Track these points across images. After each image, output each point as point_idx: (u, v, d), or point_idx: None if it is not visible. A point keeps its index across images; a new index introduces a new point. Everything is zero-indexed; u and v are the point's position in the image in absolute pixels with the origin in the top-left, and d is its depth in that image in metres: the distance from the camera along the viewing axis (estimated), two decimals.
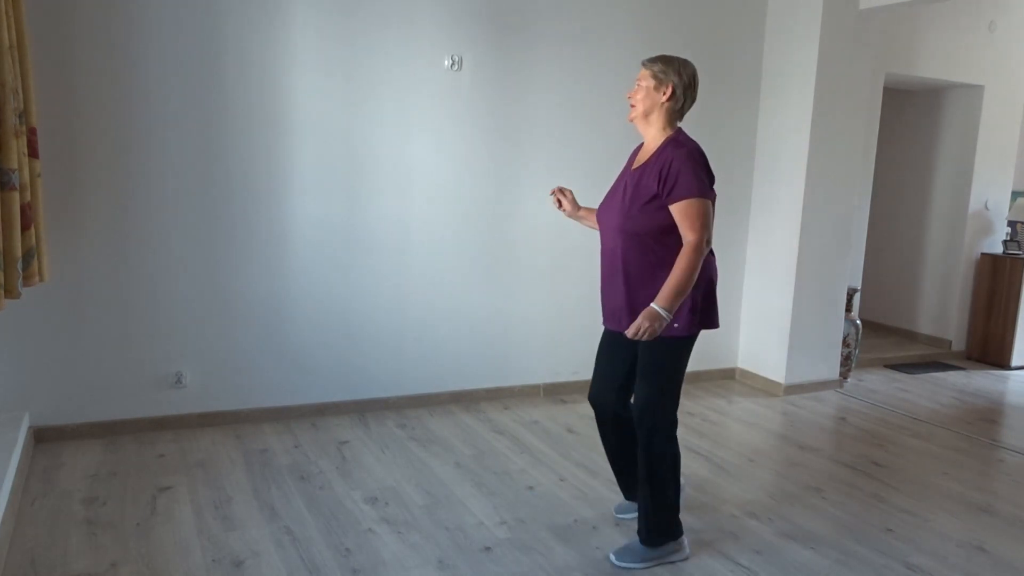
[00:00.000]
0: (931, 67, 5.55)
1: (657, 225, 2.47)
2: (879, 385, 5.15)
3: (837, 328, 4.92)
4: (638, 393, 2.56)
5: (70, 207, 3.38)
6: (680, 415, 4.29)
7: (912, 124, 6.36)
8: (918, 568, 2.66)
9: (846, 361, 5.04)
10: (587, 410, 4.26)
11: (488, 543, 2.70)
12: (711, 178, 2.49)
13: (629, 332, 2.40)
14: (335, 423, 3.89)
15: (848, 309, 5.04)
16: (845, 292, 4.93)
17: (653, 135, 2.56)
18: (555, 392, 4.54)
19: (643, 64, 2.56)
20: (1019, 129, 6.03)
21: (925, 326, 6.30)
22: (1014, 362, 5.78)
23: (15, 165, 2.62)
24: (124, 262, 3.51)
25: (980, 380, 5.43)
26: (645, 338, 2.38)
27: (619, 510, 2.97)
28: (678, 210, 2.41)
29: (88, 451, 3.39)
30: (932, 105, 6.19)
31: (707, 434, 3.97)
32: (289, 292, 3.83)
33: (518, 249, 4.32)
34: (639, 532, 2.63)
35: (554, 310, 4.48)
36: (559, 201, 2.83)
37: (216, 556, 2.54)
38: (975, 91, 5.83)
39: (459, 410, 4.18)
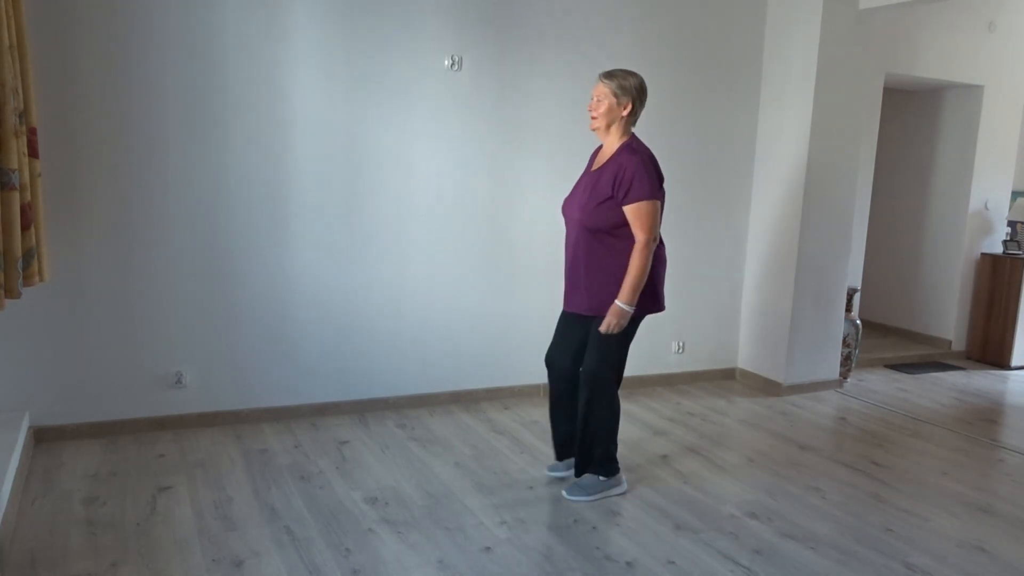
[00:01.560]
0: (931, 67, 5.55)
1: (612, 221, 2.86)
2: (879, 385, 5.15)
3: (837, 328, 4.92)
4: (587, 360, 2.99)
5: (70, 207, 3.38)
6: (681, 415, 4.30)
7: (912, 124, 6.36)
8: (918, 568, 2.66)
9: (846, 361, 5.04)
10: None
11: (488, 543, 2.71)
12: (660, 180, 2.89)
13: (602, 328, 2.85)
14: (335, 423, 3.89)
15: (848, 309, 5.04)
16: (845, 292, 4.93)
17: (612, 142, 2.94)
18: None
19: (601, 79, 2.90)
20: (1019, 129, 6.03)
21: (925, 326, 6.30)
22: (1014, 362, 5.78)
23: (15, 165, 2.62)
24: (124, 262, 3.51)
25: (980, 380, 5.43)
26: (615, 332, 2.85)
27: (551, 468, 3.30)
28: (631, 211, 2.81)
29: (88, 451, 3.39)
30: (932, 105, 6.19)
31: (707, 434, 3.97)
32: (289, 292, 3.83)
33: (518, 249, 4.32)
34: (579, 471, 3.10)
35: (554, 310, 4.44)
36: None
37: (216, 556, 2.54)
38: (975, 91, 5.84)
39: (459, 410, 4.18)
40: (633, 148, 2.87)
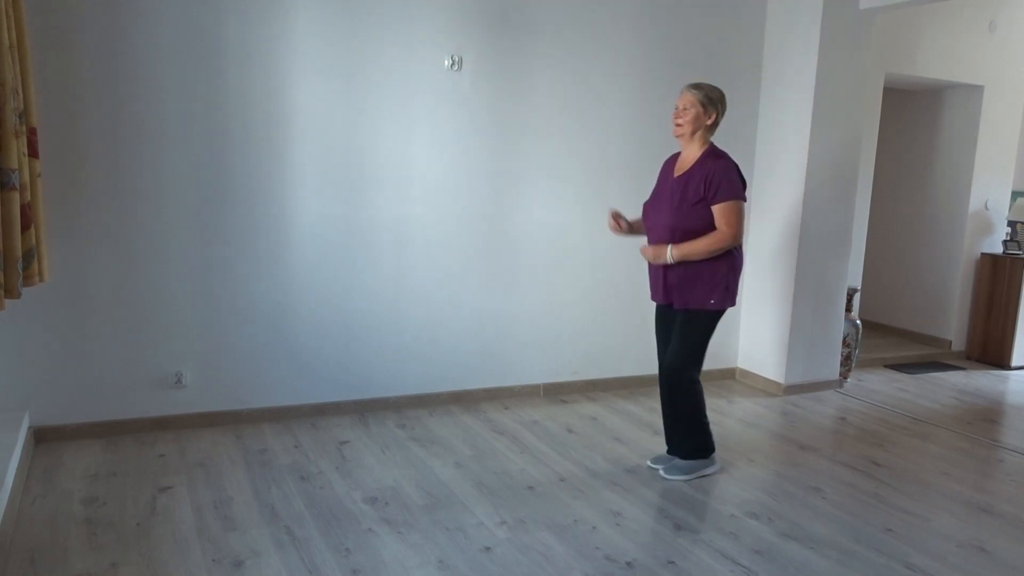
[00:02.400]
0: (931, 67, 5.55)
1: (704, 222, 3.10)
2: (879, 385, 5.15)
3: (837, 328, 4.92)
4: (668, 353, 3.30)
5: (70, 207, 3.38)
6: None
7: (912, 124, 6.36)
8: (918, 568, 2.66)
9: (846, 361, 5.04)
10: (587, 410, 4.26)
11: (488, 543, 2.71)
12: (744, 184, 3.13)
13: (641, 250, 3.25)
14: (335, 423, 3.89)
15: (848, 309, 5.04)
16: (845, 292, 4.93)
17: (694, 148, 3.18)
18: (555, 392, 4.54)
19: (688, 90, 3.15)
20: (1019, 129, 6.03)
21: (925, 326, 6.29)
22: (1014, 362, 5.78)
23: (15, 165, 2.62)
24: (124, 262, 3.51)
25: (980, 380, 5.43)
26: (648, 258, 3.21)
27: (654, 460, 3.49)
28: (719, 209, 3.06)
29: (88, 451, 3.39)
30: (932, 105, 6.19)
31: None
32: (289, 292, 3.83)
33: (518, 249, 4.32)
34: (677, 453, 3.39)
35: (554, 310, 4.48)
36: (619, 226, 3.42)
37: (216, 556, 2.54)
38: (975, 91, 5.83)
39: (459, 410, 4.18)
40: (719, 153, 3.13)
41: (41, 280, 3.05)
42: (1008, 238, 6.12)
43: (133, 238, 3.51)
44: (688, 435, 3.37)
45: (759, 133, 4.89)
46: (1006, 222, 6.12)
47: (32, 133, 2.96)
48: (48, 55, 3.26)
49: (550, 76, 4.24)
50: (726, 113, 3.24)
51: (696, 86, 3.17)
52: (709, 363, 4.97)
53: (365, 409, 4.08)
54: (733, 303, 3.25)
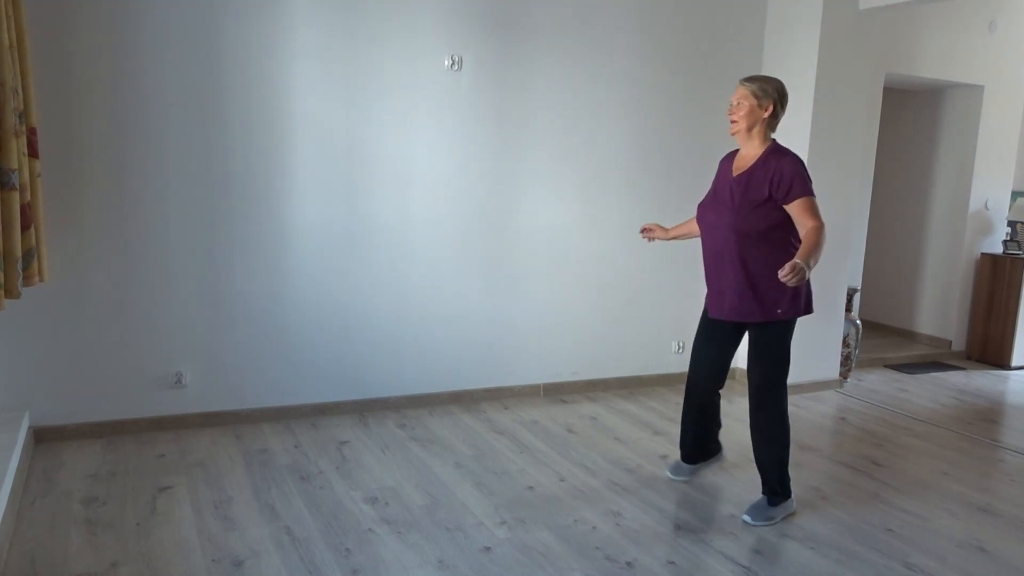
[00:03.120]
0: (931, 67, 5.55)
1: (768, 223, 2.86)
2: (879, 385, 5.15)
3: (837, 328, 4.92)
4: (758, 370, 3.00)
5: (70, 207, 3.38)
6: (680, 415, 4.29)
7: (912, 124, 6.36)
8: (918, 568, 2.66)
9: (846, 361, 5.04)
10: (587, 410, 4.26)
11: (488, 543, 2.71)
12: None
13: (781, 276, 2.59)
14: (335, 423, 3.89)
15: (848, 309, 5.04)
16: (845, 292, 4.93)
17: (755, 146, 2.94)
18: (555, 392, 4.54)
19: (742, 83, 2.93)
20: (1019, 129, 6.03)
21: (925, 326, 6.29)
22: (1014, 362, 5.78)
23: (15, 165, 2.62)
24: (124, 262, 3.51)
25: (980, 380, 5.43)
26: (791, 283, 2.61)
27: (675, 471, 3.35)
28: (796, 207, 2.81)
29: (88, 451, 3.39)
30: (932, 105, 6.19)
31: None
32: (289, 292, 3.83)
33: (518, 248, 4.32)
34: (767, 493, 3.02)
35: (554, 310, 4.48)
36: (651, 236, 3.34)
37: (216, 556, 2.54)
38: (975, 91, 5.83)
39: (459, 410, 4.18)
40: (783, 150, 2.90)
41: (41, 280, 3.05)
42: (1008, 238, 6.12)
43: (133, 238, 3.51)
44: (780, 469, 3.01)
45: None
46: (1006, 222, 6.12)
47: (32, 133, 2.96)
48: (48, 55, 3.26)
49: (550, 76, 4.24)
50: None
51: (749, 79, 2.94)
52: None
53: (365, 409, 4.08)
54: (811, 310, 2.99)
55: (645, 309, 4.75)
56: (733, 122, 2.93)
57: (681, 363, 4.92)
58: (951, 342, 6.10)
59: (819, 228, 2.77)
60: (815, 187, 2.87)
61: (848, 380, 5.15)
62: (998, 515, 3.13)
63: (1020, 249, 6.04)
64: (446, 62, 3.99)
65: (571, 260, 4.46)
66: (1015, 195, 6.16)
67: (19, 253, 2.70)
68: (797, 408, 4.51)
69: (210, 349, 3.72)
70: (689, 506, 3.08)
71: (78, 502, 2.90)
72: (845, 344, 5.01)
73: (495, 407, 4.25)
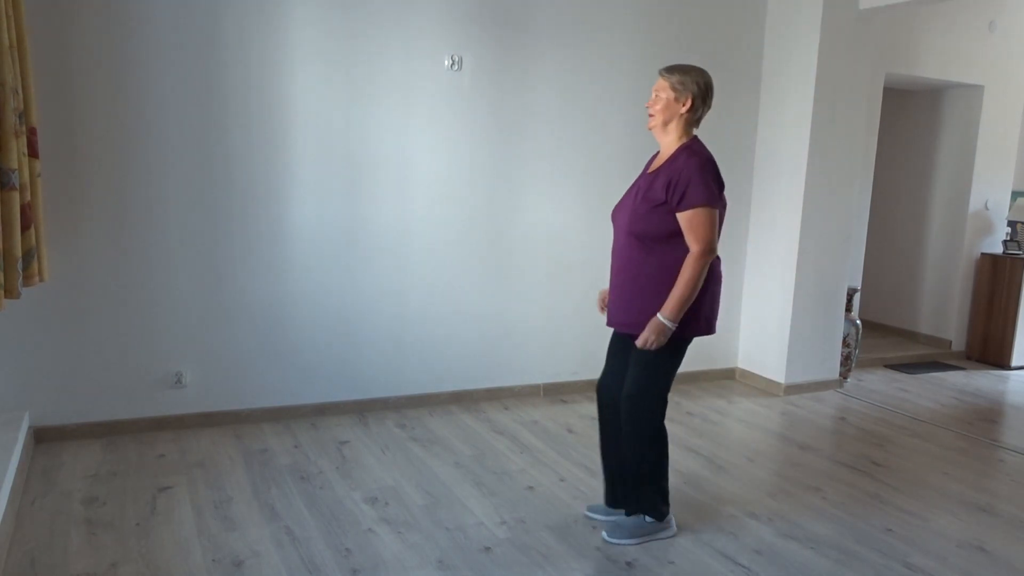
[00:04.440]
0: (931, 67, 5.55)
1: (664, 229, 2.55)
2: (879, 385, 5.15)
3: (837, 328, 4.92)
4: (627, 382, 2.67)
5: (70, 207, 3.38)
6: (680, 415, 4.30)
7: (912, 124, 6.36)
8: (918, 568, 2.66)
9: (846, 361, 5.04)
10: (587, 410, 4.26)
11: (488, 543, 2.70)
12: (720, 186, 2.56)
13: (638, 343, 2.50)
14: (335, 423, 3.89)
15: (848, 309, 5.04)
16: (845, 292, 4.93)
17: (669, 143, 2.65)
18: (555, 392, 4.54)
19: (661, 74, 2.65)
20: (1019, 129, 6.03)
21: (925, 326, 6.29)
22: (1014, 362, 5.78)
23: (15, 165, 2.62)
24: (124, 262, 3.51)
25: (980, 380, 5.43)
26: (653, 348, 2.48)
27: (591, 509, 2.96)
28: (684, 219, 2.50)
29: (88, 451, 3.39)
30: (932, 105, 6.19)
31: (707, 434, 3.97)
32: (289, 292, 3.83)
33: (518, 249, 4.32)
34: (628, 507, 2.79)
35: (554, 310, 4.48)
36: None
37: (216, 556, 2.54)
38: (975, 91, 5.83)
39: (459, 410, 4.18)
40: (693, 150, 2.58)
41: (41, 280, 3.05)
42: (1008, 238, 6.12)
43: (133, 238, 3.51)
44: (643, 486, 2.72)
45: (759, 133, 4.89)
46: (1006, 222, 6.11)
47: (32, 133, 2.95)
48: (48, 55, 3.26)
49: (550, 76, 4.24)
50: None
51: (669, 69, 2.63)
52: (709, 363, 5.01)
53: (365, 409, 4.08)
54: (709, 331, 2.66)
55: None
56: (650, 116, 2.66)
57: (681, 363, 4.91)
58: (951, 342, 6.10)
59: (696, 260, 2.47)
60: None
61: (848, 380, 5.15)
62: (998, 515, 3.13)
63: (1020, 249, 6.04)
64: (446, 62, 3.99)
65: (571, 260, 4.46)
66: (1015, 195, 6.15)
67: (19, 253, 2.69)
68: (797, 408, 4.52)
69: (210, 349, 3.72)
70: (689, 506, 3.08)
71: (78, 502, 2.90)
72: (845, 344, 5.01)
73: (495, 407, 4.25)
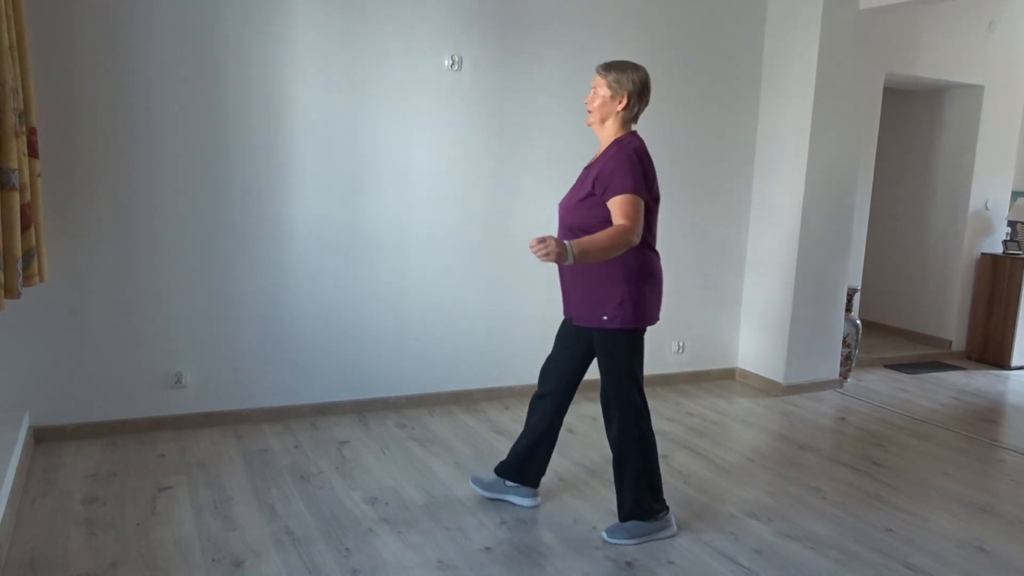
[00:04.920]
0: (931, 67, 5.55)
1: (595, 220, 2.61)
2: (879, 385, 5.15)
3: (837, 328, 4.92)
4: (602, 385, 2.77)
5: (70, 207, 3.38)
6: (680, 415, 4.30)
7: (912, 124, 6.36)
8: (918, 568, 2.66)
9: (846, 361, 5.04)
10: (586, 410, 4.26)
11: (488, 543, 2.71)
12: (650, 178, 2.66)
13: (530, 245, 2.39)
14: (335, 423, 3.89)
15: (848, 309, 5.04)
16: (845, 292, 4.93)
17: (606, 138, 2.73)
18: None
19: (598, 71, 2.71)
20: (1019, 129, 6.03)
21: (925, 326, 6.29)
22: (1014, 362, 5.78)
23: (15, 165, 2.62)
24: (124, 262, 3.51)
25: (980, 380, 5.43)
26: (540, 255, 2.37)
27: (478, 482, 3.06)
28: (612, 205, 2.57)
29: (88, 451, 3.39)
30: (932, 105, 6.19)
31: (707, 434, 3.97)
32: (289, 292, 3.83)
33: (518, 249, 4.32)
34: (621, 511, 2.78)
35: (554, 310, 4.46)
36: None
37: (216, 556, 2.54)
38: (975, 91, 5.83)
39: (459, 410, 4.18)
40: (623, 144, 2.65)
41: (41, 280, 3.05)
42: (1008, 238, 6.12)
43: (133, 238, 3.51)
44: (634, 483, 2.75)
45: (759, 133, 4.89)
46: (1006, 222, 6.12)
47: (32, 133, 2.95)
48: (48, 55, 3.26)
49: (550, 76, 4.24)
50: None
51: (606, 66, 2.68)
52: (709, 363, 5.01)
53: (365, 409, 4.08)
54: (646, 321, 2.69)
55: None
56: (589, 112, 2.72)
57: (681, 363, 4.92)
58: (951, 342, 6.10)
59: (621, 230, 2.49)
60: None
61: (848, 380, 5.15)
62: (998, 515, 3.13)
63: (1020, 249, 6.04)
64: (446, 62, 3.99)
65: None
66: (1015, 195, 6.16)
67: (19, 253, 2.69)
68: (797, 408, 4.52)
69: (210, 349, 3.72)
70: (689, 506, 3.08)
71: (78, 502, 2.90)
72: (845, 344, 5.01)
73: (495, 407, 4.25)
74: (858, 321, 5.13)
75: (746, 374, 5.05)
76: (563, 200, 2.81)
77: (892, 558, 2.72)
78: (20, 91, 2.77)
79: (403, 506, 2.97)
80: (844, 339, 5.00)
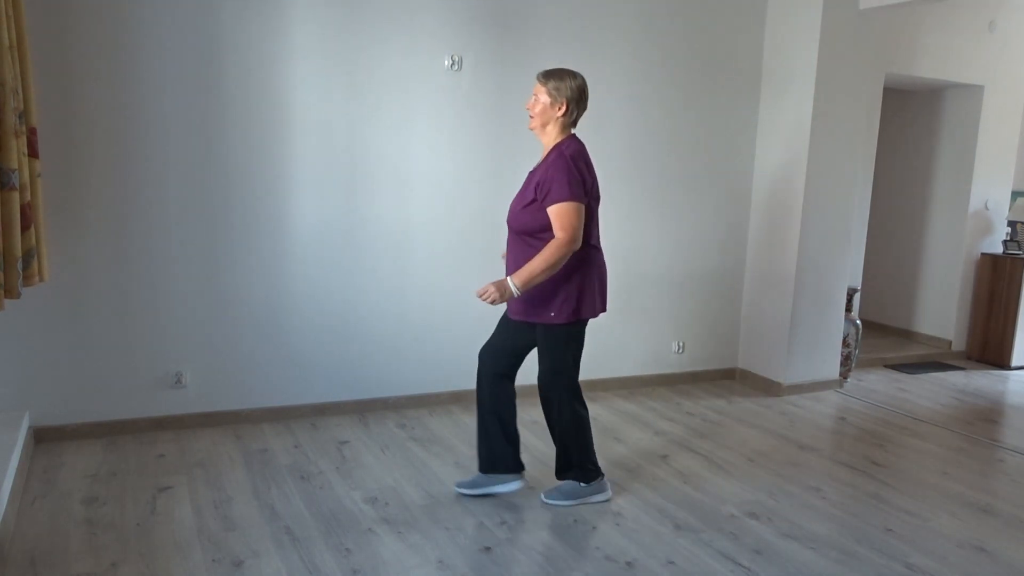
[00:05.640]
0: (931, 67, 5.55)
1: (537, 225, 2.78)
2: (879, 385, 5.15)
3: (837, 328, 4.92)
4: (539, 370, 2.96)
5: (70, 207, 3.38)
6: (680, 415, 4.30)
7: (912, 124, 6.36)
8: (918, 568, 2.66)
9: (846, 361, 5.04)
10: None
11: (488, 543, 2.71)
12: (587, 181, 2.79)
13: (477, 292, 2.75)
14: (335, 423, 3.89)
15: (848, 309, 5.04)
16: (845, 292, 4.93)
17: (548, 143, 2.87)
18: None
19: (538, 79, 2.85)
20: (1019, 129, 6.03)
21: (925, 326, 6.30)
22: (1014, 362, 5.78)
23: (15, 165, 2.62)
24: (124, 262, 3.51)
25: (980, 380, 5.43)
26: (488, 302, 2.71)
27: (461, 485, 3.11)
28: (551, 212, 2.73)
29: (88, 451, 3.39)
30: (932, 105, 6.19)
31: (707, 434, 3.97)
32: (289, 292, 3.83)
33: None
34: (559, 473, 3.04)
35: None
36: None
37: (216, 556, 2.54)
38: (975, 91, 5.83)
39: (459, 410, 4.18)
40: (561, 150, 2.78)
41: (41, 280, 3.05)
42: (1008, 238, 6.12)
43: (133, 238, 3.51)
44: (571, 453, 2.99)
45: (759, 133, 4.89)
46: (1006, 222, 6.12)
47: (32, 133, 2.95)
48: (48, 55, 3.26)
49: None
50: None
51: (547, 74, 2.82)
52: (709, 363, 5.01)
53: (365, 409, 4.08)
54: (590, 315, 2.88)
55: (645, 309, 4.75)
56: (531, 117, 2.86)
57: (681, 363, 4.92)
58: (951, 342, 6.10)
59: (560, 244, 2.68)
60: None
61: (848, 380, 5.15)
62: (998, 515, 3.13)
63: (1020, 249, 6.04)
64: (446, 62, 3.99)
65: None
66: (1015, 195, 6.16)
67: (19, 253, 2.69)
68: (797, 408, 4.52)
69: (210, 349, 3.72)
70: (689, 506, 3.08)
71: (78, 502, 2.90)
72: (845, 344, 5.01)
73: None
74: (858, 321, 5.13)
75: (746, 374, 5.05)
76: (512, 204, 2.93)
77: (892, 558, 2.72)
78: (20, 91, 2.77)
79: (403, 506, 2.97)
80: (844, 339, 5.00)
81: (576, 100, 2.82)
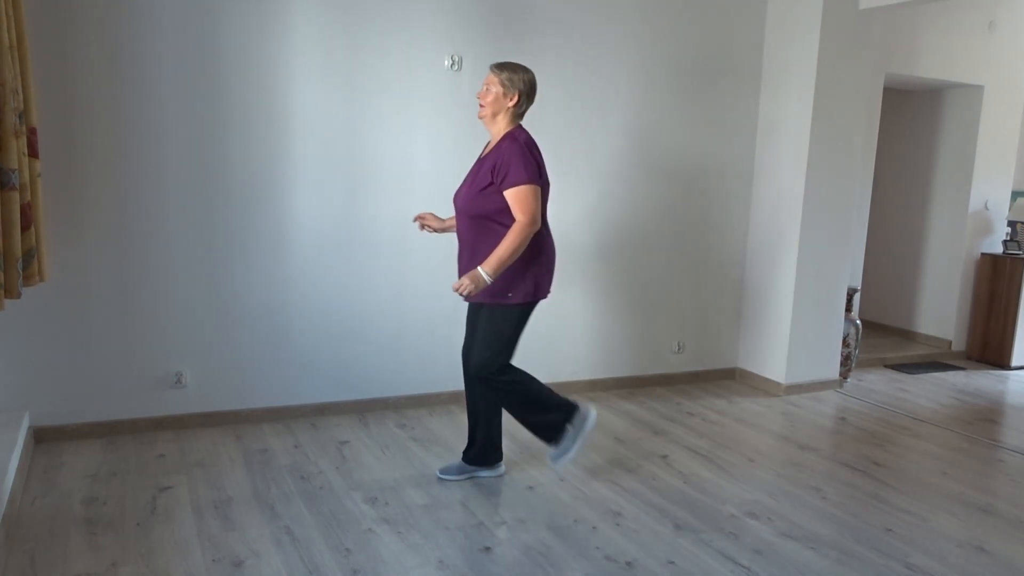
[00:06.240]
0: (931, 67, 5.55)
1: (493, 207, 2.90)
2: (879, 385, 5.15)
3: (837, 328, 4.92)
4: (476, 352, 3.03)
5: (70, 207, 3.38)
6: (680, 415, 4.30)
7: (912, 124, 6.36)
8: (918, 568, 2.66)
9: (846, 361, 5.04)
10: None
11: (488, 543, 2.71)
12: (541, 167, 2.94)
13: (454, 286, 2.84)
14: (335, 423, 3.89)
15: (848, 309, 5.04)
16: (845, 292, 4.93)
17: (497, 132, 2.99)
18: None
19: (491, 70, 2.97)
20: (1019, 129, 6.03)
21: (925, 326, 6.30)
22: (1014, 362, 5.78)
23: (15, 165, 2.62)
24: (124, 262, 3.51)
25: (980, 380, 5.43)
26: (465, 295, 2.82)
27: (445, 471, 3.26)
28: (510, 196, 2.85)
29: (88, 451, 3.39)
30: (932, 105, 6.19)
31: (707, 434, 3.97)
32: (289, 292, 3.83)
33: None
34: (549, 442, 3.14)
35: (553, 310, 4.47)
36: (423, 226, 3.31)
37: (216, 556, 2.54)
38: (975, 91, 5.83)
39: (459, 410, 4.17)
40: (514, 137, 2.93)
41: (41, 280, 3.05)
42: (1008, 238, 6.12)
43: (133, 238, 3.51)
44: (533, 420, 3.11)
45: (759, 133, 4.89)
46: (1006, 222, 6.12)
47: (32, 133, 2.95)
48: (48, 55, 3.26)
49: (550, 76, 4.23)
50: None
51: (500, 66, 2.96)
52: (709, 363, 5.01)
53: (365, 409, 4.08)
54: (544, 295, 3.04)
55: (645, 309, 4.75)
56: (481, 107, 2.97)
57: (681, 363, 4.92)
58: (951, 342, 6.10)
59: (522, 227, 2.82)
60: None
61: (848, 380, 5.15)
62: (998, 515, 3.13)
63: (1020, 249, 6.04)
64: (446, 62, 3.99)
65: (570, 260, 4.46)
66: (1015, 195, 6.16)
67: (19, 253, 2.70)
68: (797, 408, 4.52)
69: (210, 349, 3.72)
70: (689, 506, 3.08)
71: (78, 502, 2.90)
72: (845, 344, 5.01)
73: None
74: (858, 321, 5.13)
75: (746, 374, 5.05)
76: (460, 191, 3.07)
77: (892, 558, 2.72)
78: (20, 91, 2.77)
79: (403, 506, 2.97)
80: (844, 339, 5.00)
81: (527, 93, 2.96)
